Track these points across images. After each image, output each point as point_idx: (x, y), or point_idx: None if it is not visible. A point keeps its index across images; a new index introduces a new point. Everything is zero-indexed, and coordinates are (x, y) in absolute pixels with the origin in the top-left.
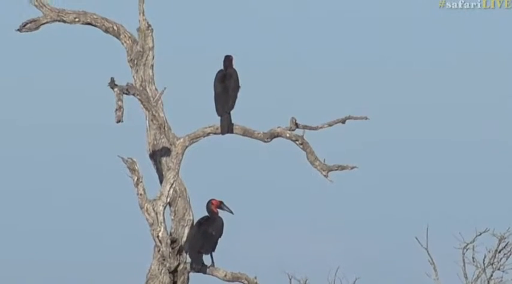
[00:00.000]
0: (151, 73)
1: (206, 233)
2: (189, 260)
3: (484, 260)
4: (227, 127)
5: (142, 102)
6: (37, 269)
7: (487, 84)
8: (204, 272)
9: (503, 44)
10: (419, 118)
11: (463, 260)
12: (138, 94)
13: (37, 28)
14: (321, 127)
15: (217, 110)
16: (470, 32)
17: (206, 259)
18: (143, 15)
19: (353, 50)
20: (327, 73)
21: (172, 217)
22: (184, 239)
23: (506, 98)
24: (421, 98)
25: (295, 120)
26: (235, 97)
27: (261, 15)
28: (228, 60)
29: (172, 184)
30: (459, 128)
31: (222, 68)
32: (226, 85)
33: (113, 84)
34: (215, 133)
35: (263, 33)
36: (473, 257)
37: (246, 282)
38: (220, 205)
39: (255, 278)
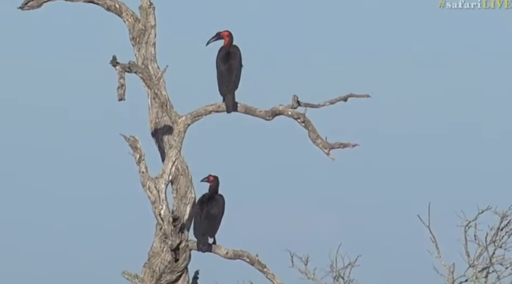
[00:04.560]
0: (153, 52)
1: (209, 214)
2: (190, 238)
3: (486, 238)
4: (232, 105)
5: (144, 80)
6: (38, 250)
7: (487, 83)
8: (210, 251)
9: (503, 44)
10: (421, 112)
11: (465, 238)
12: (140, 73)
13: (39, 6)
14: (323, 105)
15: (220, 89)
16: (470, 32)
17: None
18: None
19: (353, 50)
20: (327, 66)
21: (174, 195)
22: (186, 217)
23: (506, 97)
24: (421, 97)
25: (297, 98)
26: (240, 76)
27: None
28: (225, 36)
29: (174, 162)
30: (459, 124)
31: (222, 45)
32: (231, 64)
33: (114, 62)
34: (217, 111)
35: (267, 12)
36: (475, 235)
37: (247, 260)
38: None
39: (257, 255)
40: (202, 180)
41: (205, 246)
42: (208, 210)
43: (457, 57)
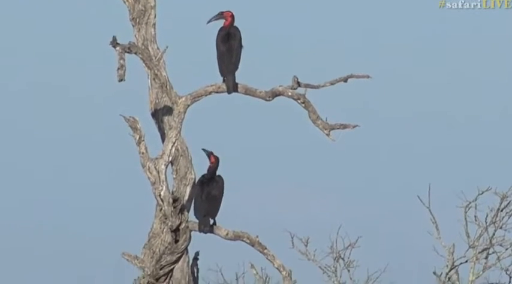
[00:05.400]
0: (153, 32)
1: (210, 195)
2: (190, 219)
3: (486, 219)
4: (232, 86)
5: (144, 61)
6: (39, 231)
7: (487, 83)
8: (212, 232)
9: (503, 44)
10: (421, 93)
11: (465, 219)
12: (140, 53)
13: None
14: (323, 86)
15: (220, 70)
16: (470, 32)
17: None
18: None
19: (352, 50)
20: (327, 47)
21: (174, 176)
22: (186, 198)
23: (506, 97)
24: (422, 97)
25: (297, 79)
26: (240, 57)
27: None
28: (228, 16)
29: (174, 142)
30: (459, 108)
31: (222, 25)
32: (231, 45)
33: (115, 42)
34: (217, 92)
35: None
36: (475, 216)
37: (247, 241)
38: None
39: (257, 237)
40: (204, 149)
41: (207, 227)
42: (209, 191)
43: (457, 57)
